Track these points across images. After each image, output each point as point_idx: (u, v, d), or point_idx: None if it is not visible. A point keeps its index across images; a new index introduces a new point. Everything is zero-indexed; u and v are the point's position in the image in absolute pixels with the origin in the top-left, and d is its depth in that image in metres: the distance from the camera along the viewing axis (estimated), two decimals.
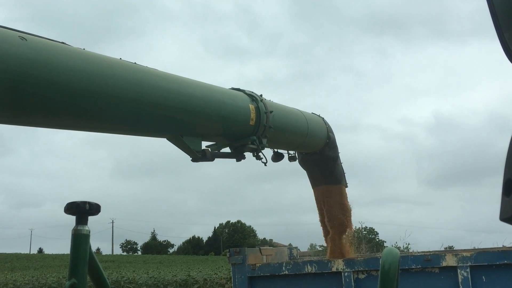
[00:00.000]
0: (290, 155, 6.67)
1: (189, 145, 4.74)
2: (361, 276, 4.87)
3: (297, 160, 6.87)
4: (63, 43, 3.73)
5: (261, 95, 5.64)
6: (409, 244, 15.52)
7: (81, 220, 2.29)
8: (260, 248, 5.50)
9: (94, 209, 2.31)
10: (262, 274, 5.25)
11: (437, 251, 6.45)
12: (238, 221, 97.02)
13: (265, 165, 5.74)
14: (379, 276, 2.39)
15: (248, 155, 5.56)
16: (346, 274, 4.89)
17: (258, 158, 5.58)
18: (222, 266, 29.18)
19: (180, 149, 4.80)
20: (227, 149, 5.53)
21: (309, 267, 5.08)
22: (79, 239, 2.28)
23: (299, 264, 5.18)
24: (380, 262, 2.40)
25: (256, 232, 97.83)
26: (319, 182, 6.86)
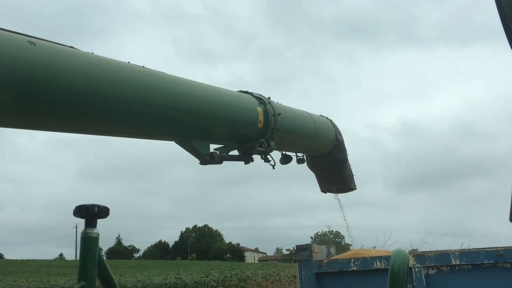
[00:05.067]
0: (298, 158, 6.66)
1: (198, 148, 4.75)
2: (431, 271, 4.79)
3: (305, 162, 6.86)
4: (71, 47, 3.76)
5: (269, 98, 5.65)
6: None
7: (90, 223, 2.30)
8: (312, 246, 5.51)
9: (103, 212, 2.32)
10: (329, 271, 5.21)
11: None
12: (205, 225, 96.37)
13: (273, 167, 5.74)
14: (389, 277, 2.45)
15: (256, 157, 5.56)
16: (417, 269, 4.81)
17: (267, 160, 5.58)
18: (212, 269, 29.01)
19: (189, 152, 4.81)
20: (235, 152, 5.54)
21: (378, 263, 5.02)
22: (89, 242, 2.28)
23: (367, 259, 5.13)
24: (390, 264, 2.46)
25: (223, 236, 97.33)
26: (327, 185, 6.85)
